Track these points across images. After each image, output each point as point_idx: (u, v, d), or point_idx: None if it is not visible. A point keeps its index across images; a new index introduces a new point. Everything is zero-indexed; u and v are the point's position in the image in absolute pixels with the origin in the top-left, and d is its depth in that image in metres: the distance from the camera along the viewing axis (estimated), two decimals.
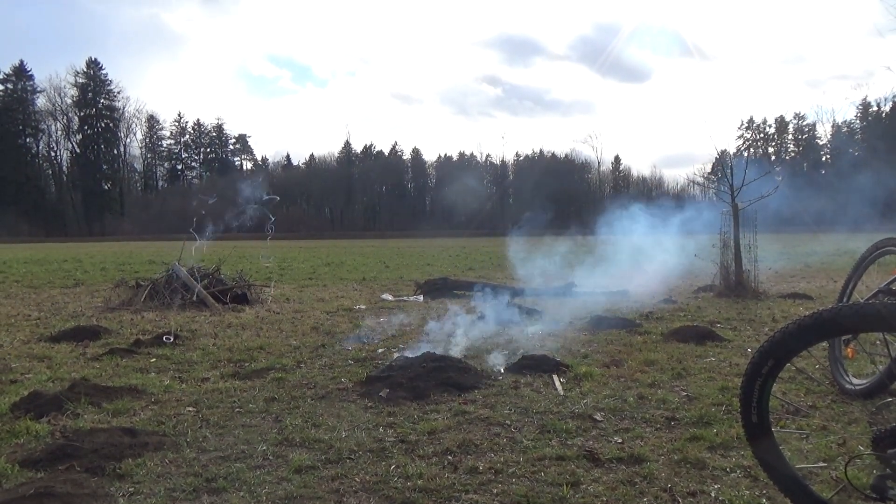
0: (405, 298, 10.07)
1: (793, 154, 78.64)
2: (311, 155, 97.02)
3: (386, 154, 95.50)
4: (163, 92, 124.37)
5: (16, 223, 68.44)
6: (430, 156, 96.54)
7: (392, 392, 4.17)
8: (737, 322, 7.17)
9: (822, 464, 2.94)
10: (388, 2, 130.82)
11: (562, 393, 4.24)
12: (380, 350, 5.84)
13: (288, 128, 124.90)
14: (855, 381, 4.05)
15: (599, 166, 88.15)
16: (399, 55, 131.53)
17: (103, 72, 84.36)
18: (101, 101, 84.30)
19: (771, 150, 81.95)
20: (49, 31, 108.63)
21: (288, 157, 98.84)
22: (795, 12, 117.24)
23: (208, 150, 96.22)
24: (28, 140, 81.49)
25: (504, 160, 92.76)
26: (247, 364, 5.32)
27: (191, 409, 3.99)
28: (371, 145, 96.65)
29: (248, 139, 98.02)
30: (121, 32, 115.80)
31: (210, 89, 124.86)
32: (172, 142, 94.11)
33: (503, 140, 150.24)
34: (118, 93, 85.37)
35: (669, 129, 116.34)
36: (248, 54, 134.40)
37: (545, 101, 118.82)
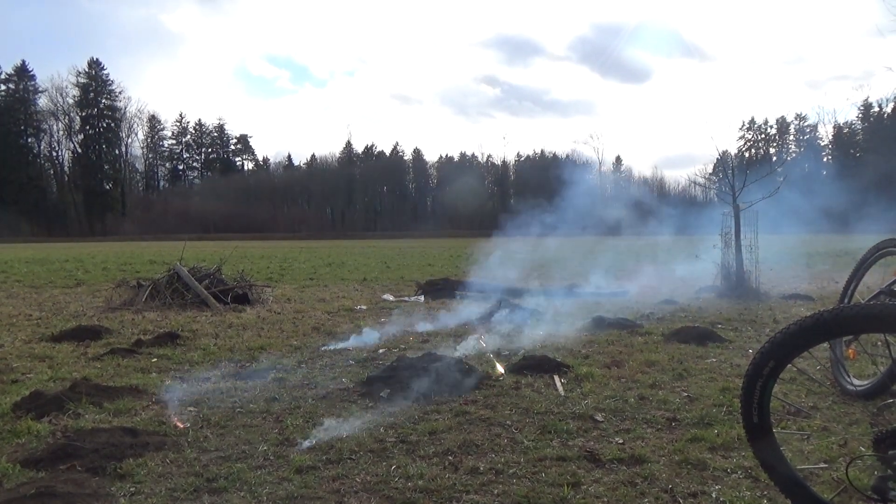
0: (406, 299, 10.08)
1: (794, 154, 78.58)
2: (313, 155, 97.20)
3: (387, 154, 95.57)
4: (162, 92, 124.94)
5: (17, 223, 68.54)
6: (431, 156, 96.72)
7: (393, 392, 4.17)
8: (738, 323, 7.17)
9: (823, 465, 2.94)
10: (384, 1, 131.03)
11: (563, 393, 4.24)
12: (381, 350, 5.84)
13: (289, 128, 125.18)
14: (856, 381, 4.05)
15: (601, 167, 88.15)
16: (397, 55, 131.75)
17: (105, 72, 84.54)
18: (103, 101, 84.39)
19: (772, 150, 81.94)
20: (48, 31, 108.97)
21: (289, 157, 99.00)
22: (795, 12, 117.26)
23: (210, 150, 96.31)
24: (30, 140, 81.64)
25: (505, 160, 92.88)
26: (248, 364, 5.33)
27: (192, 409, 3.99)
28: (372, 146, 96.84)
29: (249, 139, 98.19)
30: (118, 33, 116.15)
31: (210, 90, 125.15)
32: (174, 142, 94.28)
33: (504, 140, 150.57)
34: (120, 93, 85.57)
35: (670, 130, 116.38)
36: (246, 54, 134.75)
37: (544, 102, 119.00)
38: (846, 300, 4.46)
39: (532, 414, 3.80)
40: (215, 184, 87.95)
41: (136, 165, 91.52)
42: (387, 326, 7.13)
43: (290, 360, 5.41)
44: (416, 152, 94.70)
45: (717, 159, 12.34)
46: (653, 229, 13.93)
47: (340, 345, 6.12)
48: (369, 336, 6.49)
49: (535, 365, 4.87)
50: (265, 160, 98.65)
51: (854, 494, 2.56)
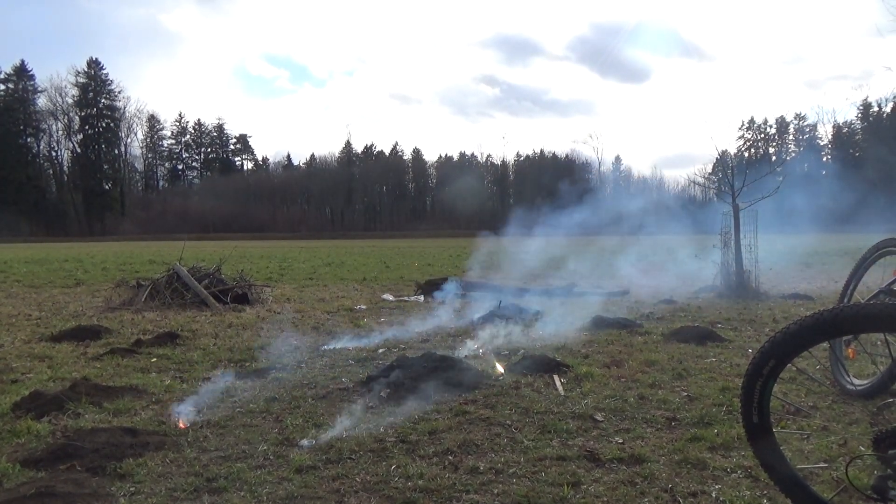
0: (406, 298, 10.08)
1: (793, 154, 78.63)
2: (312, 155, 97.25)
3: (387, 154, 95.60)
4: (161, 92, 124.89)
5: (17, 223, 68.53)
6: (430, 156, 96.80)
7: (393, 392, 4.17)
8: (737, 322, 7.17)
9: (823, 464, 2.94)
10: (383, 1, 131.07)
11: (562, 393, 4.24)
12: (380, 350, 5.84)
13: (288, 128, 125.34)
14: (856, 381, 4.05)
15: (600, 166, 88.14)
16: (396, 55, 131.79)
17: (104, 72, 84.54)
18: (102, 100, 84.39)
19: (772, 150, 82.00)
20: (46, 31, 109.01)
21: (289, 157, 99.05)
22: (793, 12, 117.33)
23: (209, 150, 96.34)
24: (29, 140, 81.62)
25: (505, 160, 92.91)
26: (247, 364, 5.33)
27: (192, 408, 3.99)
28: (372, 145, 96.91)
29: (248, 139, 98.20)
30: (117, 32, 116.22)
31: (209, 89, 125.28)
32: (173, 142, 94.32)
33: (504, 140, 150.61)
34: (119, 93, 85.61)
35: (670, 130, 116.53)
36: (245, 54, 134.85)
37: (544, 102, 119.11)
38: (846, 300, 4.46)
39: (532, 413, 3.80)
40: (215, 184, 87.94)
41: (136, 165, 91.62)
42: (386, 326, 7.13)
43: (289, 360, 5.41)
44: (416, 152, 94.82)
45: (717, 159, 12.35)
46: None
47: (340, 344, 6.12)
48: (369, 336, 6.49)
49: (535, 364, 4.87)
50: (265, 160, 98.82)
51: (854, 494, 2.56)
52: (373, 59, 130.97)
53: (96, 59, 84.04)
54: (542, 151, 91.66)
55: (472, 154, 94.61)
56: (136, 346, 5.94)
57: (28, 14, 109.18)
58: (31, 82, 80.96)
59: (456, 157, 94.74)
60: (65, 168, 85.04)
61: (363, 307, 9.04)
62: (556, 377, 4.59)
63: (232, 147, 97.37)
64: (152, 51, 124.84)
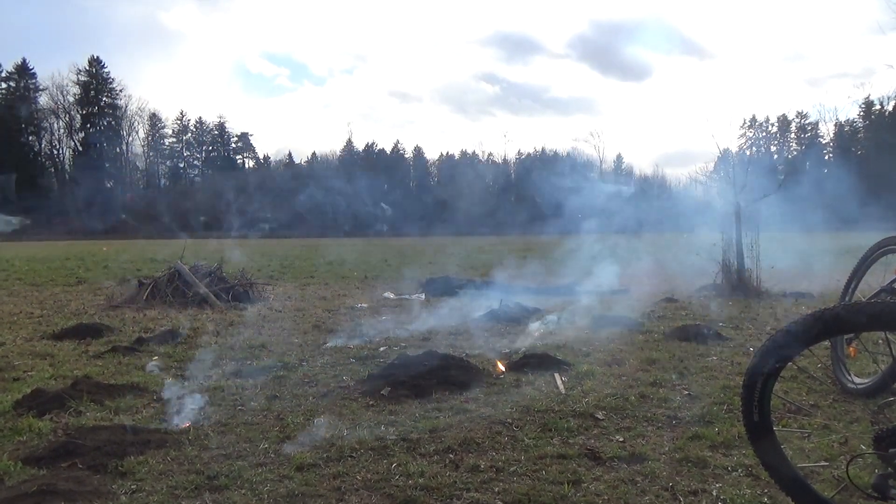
0: (407, 297, 10.08)
1: (795, 152, 78.50)
2: (314, 153, 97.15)
3: (388, 152, 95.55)
4: (162, 90, 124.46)
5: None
6: (431, 154, 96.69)
7: (394, 390, 4.17)
8: (738, 321, 7.17)
9: (823, 463, 2.94)
10: None
11: (563, 391, 4.24)
12: (381, 348, 5.84)
13: (289, 126, 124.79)
14: (857, 380, 4.05)
15: (602, 164, 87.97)
16: (396, 53, 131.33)
17: (105, 70, 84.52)
18: (104, 99, 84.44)
19: (773, 148, 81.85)
20: (46, 29, 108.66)
21: (290, 155, 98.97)
22: (794, 9, 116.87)
23: (210, 148, 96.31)
24: (30, 138, 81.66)
25: (506, 158, 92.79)
26: (249, 362, 5.33)
27: (193, 407, 4.00)
28: (373, 143, 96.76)
29: (249, 137, 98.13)
30: (117, 31, 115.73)
31: (209, 88, 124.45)
32: (174, 140, 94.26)
33: (505, 138, 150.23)
34: (120, 91, 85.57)
35: (671, 128, 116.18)
36: (245, 52, 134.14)
37: (544, 100, 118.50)
38: (847, 298, 4.45)
39: (533, 412, 3.80)
40: (216, 182, 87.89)
41: (137, 163, 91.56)
42: (388, 324, 7.13)
43: (290, 358, 5.42)
44: (417, 150, 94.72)
45: (719, 157, 12.34)
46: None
47: (341, 343, 6.12)
48: (370, 334, 6.49)
49: (536, 363, 4.87)
50: (266, 158, 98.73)
51: (854, 492, 2.56)
52: (372, 57, 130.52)
53: (97, 57, 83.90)
54: (543, 149, 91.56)
55: (474, 152, 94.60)
56: (137, 345, 5.95)
57: (29, 12, 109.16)
58: (33, 80, 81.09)
59: (457, 155, 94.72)
60: (66, 166, 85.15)
61: (364, 305, 9.04)
62: (556, 375, 4.60)
63: (233, 145, 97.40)
64: (152, 49, 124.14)
